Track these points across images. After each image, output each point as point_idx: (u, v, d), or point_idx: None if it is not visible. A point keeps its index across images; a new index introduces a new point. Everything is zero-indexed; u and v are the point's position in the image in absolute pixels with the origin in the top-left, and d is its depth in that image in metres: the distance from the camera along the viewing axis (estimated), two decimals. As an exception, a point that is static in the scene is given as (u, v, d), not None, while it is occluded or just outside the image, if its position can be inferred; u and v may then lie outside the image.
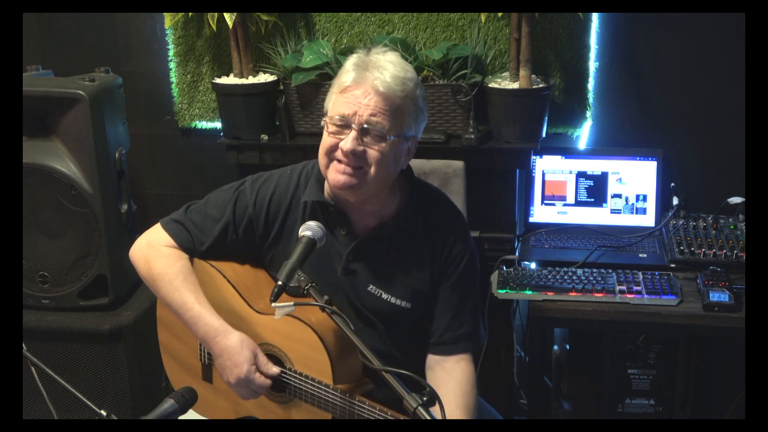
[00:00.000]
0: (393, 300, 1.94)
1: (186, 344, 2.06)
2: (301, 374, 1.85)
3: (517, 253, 2.66)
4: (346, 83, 1.81)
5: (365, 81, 1.79)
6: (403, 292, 1.94)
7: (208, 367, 2.04)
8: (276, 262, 1.97)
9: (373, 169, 1.81)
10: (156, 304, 2.14)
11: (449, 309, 1.96)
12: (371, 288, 1.93)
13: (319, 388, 1.82)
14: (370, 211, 1.93)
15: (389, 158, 1.82)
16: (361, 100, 1.78)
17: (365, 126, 1.78)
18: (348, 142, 1.78)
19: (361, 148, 1.79)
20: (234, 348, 1.84)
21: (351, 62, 1.84)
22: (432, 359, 1.97)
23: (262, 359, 1.85)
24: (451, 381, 1.92)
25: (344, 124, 1.80)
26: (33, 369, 1.87)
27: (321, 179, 1.95)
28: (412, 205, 1.94)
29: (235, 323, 1.91)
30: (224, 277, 1.97)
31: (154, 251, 1.97)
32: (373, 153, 1.80)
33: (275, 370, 1.85)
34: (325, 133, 1.85)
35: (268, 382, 1.85)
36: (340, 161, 1.81)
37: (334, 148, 1.81)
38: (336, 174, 1.82)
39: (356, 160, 1.80)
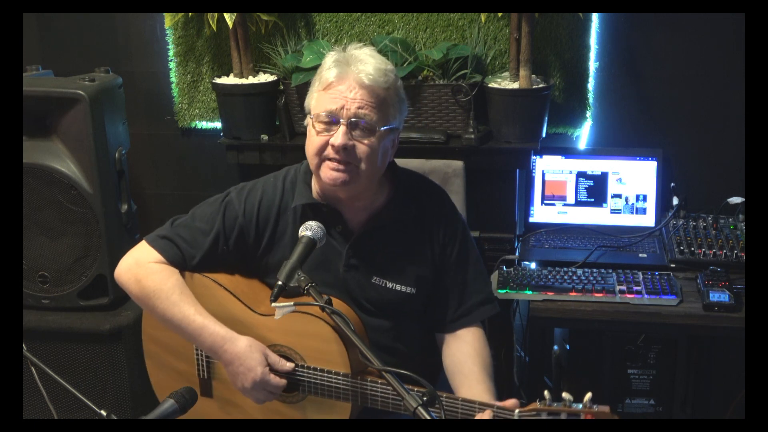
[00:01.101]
0: (398, 287, 1.94)
1: (182, 360, 2.03)
2: (315, 369, 1.85)
3: (517, 253, 2.66)
4: (329, 79, 1.80)
5: (348, 75, 1.79)
6: (407, 278, 1.95)
7: (207, 382, 2.01)
8: (270, 269, 1.96)
9: (364, 164, 1.82)
10: (143, 320, 2.08)
11: (456, 287, 1.98)
12: (375, 279, 1.94)
13: (337, 379, 1.82)
14: (361, 206, 1.94)
15: (378, 151, 1.83)
16: (347, 94, 1.79)
17: (354, 119, 1.79)
18: (338, 137, 1.78)
19: (351, 142, 1.79)
20: (244, 353, 1.83)
21: (330, 60, 1.84)
22: (448, 337, 1.99)
23: (274, 358, 1.85)
24: (464, 345, 1.96)
25: (332, 120, 1.80)
26: (33, 369, 1.87)
27: (308, 181, 1.95)
28: (400, 194, 1.96)
29: (239, 329, 1.89)
30: (220, 285, 1.95)
31: (144, 269, 1.93)
32: (362, 147, 1.81)
33: (289, 365, 1.85)
34: (311, 133, 1.84)
35: (284, 381, 1.85)
36: (331, 159, 1.81)
37: (324, 146, 1.81)
38: (329, 171, 1.83)
39: (347, 155, 1.80)
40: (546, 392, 1.57)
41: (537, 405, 1.58)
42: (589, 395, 1.55)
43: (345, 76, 1.80)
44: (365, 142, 1.80)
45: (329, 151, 1.81)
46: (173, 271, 1.94)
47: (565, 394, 1.55)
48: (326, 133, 1.81)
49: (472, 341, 1.97)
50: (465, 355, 1.94)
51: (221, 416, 2.01)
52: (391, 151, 1.91)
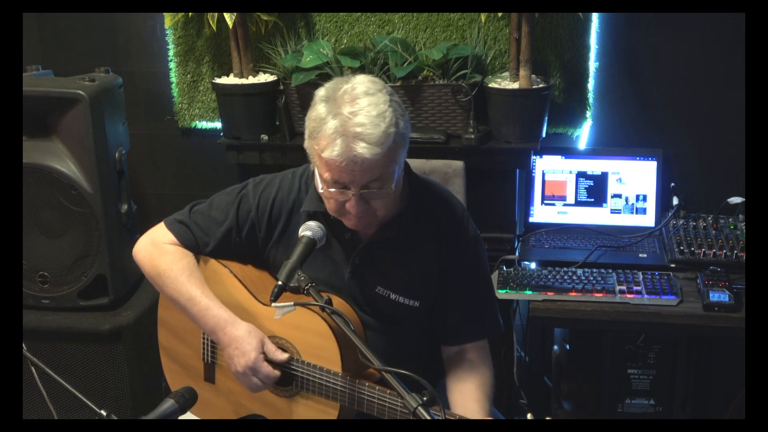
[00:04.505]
0: (401, 299, 1.94)
1: (188, 346, 2.07)
2: (309, 364, 1.86)
3: (517, 253, 2.66)
4: (332, 158, 1.71)
5: (351, 152, 1.70)
6: (411, 290, 1.95)
7: (210, 367, 2.04)
8: (278, 263, 1.96)
9: (382, 210, 1.82)
10: (157, 305, 2.14)
11: (462, 301, 1.97)
12: (379, 289, 1.94)
13: (328, 376, 1.83)
14: None
15: (393, 191, 1.80)
16: (354, 169, 1.71)
17: (364, 189, 1.75)
18: (353, 206, 1.76)
19: (366, 204, 1.78)
20: (242, 337, 1.85)
21: (330, 125, 1.70)
22: (450, 350, 1.99)
23: (270, 347, 1.87)
24: (465, 363, 1.96)
25: (342, 187, 1.76)
26: (33, 369, 1.87)
27: None
28: (414, 204, 1.95)
29: (242, 316, 1.92)
30: (230, 271, 1.99)
31: (159, 249, 1.98)
32: (378, 202, 1.79)
33: (284, 356, 1.86)
34: (323, 190, 1.78)
35: (276, 372, 1.86)
36: (350, 213, 1.80)
37: (340, 207, 1.80)
38: (351, 222, 1.83)
39: (365, 211, 1.79)
40: (529, 415, 1.57)
41: None
42: None
43: (347, 154, 1.70)
44: (380, 198, 1.78)
45: (346, 210, 1.79)
46: (186, 253, 1.98)
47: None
48: (339, 196, 1.77)
49: (473, 359, 1.96)
50: (466, 373, 1.94)
51: (221, 403, 2.03)
52: (403, 174, 1.86)
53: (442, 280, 1.96)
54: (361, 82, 1.77)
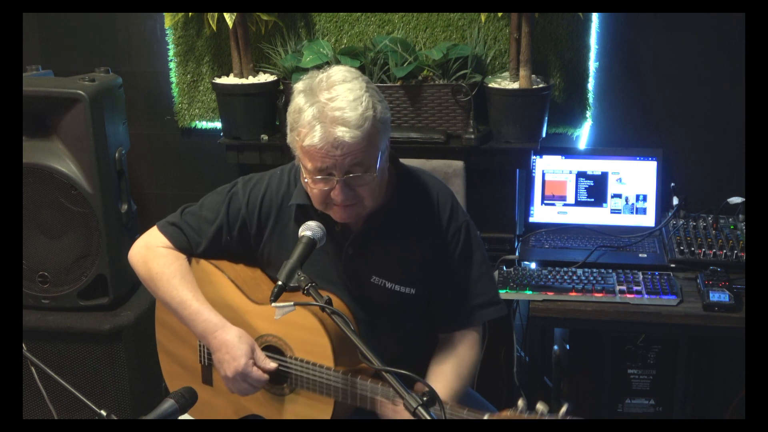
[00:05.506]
0: (397, 288, 1.94)
1: (187, 346, 2.07)
2: (301, 360, 1.87)
3: (517, 253, 2.67)
4: (313, 144, 1.73)
5: (330, 136, 1.72)
6: (406, 278, 1.95)
7: (208, 369, 2.05)
8: (272, 259, 1.99)
9: (368, 199, 1.82)
10: (156, 306, 2.14)
11: (457, 288, 1.97)
12: (374, 279, 1.94)
13: (320, 372, 1.84)
14: None
15: (378, 178, 1.81)
16: (335, 153, 1.73)
17: (348, 174, 1.76)
18: (339, 193, 1.78)
19: (351, 191, 1.79)
20: (232, 342, 1.86)
21: (308, 113, 1.74)
22: (443, 336, 1.99)
23: (260, 355, 1.88)
24: (448, 346, 1.96)
25: (326, 175, 1.78)
26: (33, 369, 1.87)
27: None
28: (401, 193, 1.95)
29: (234, 317, 1.93)
30: (222, 271, 2.00)
31: (152, 252, 1.99)
32: (363, 188, 1.80)
33: (272, 365, 1.87)
34: (308, 181, 1.81)
35: (266, 376, 1.87)
36: (336, 204, 1.81)
37: (325, 197, 1.81)
38: (338, 214, 1.84)
39: (351, 199, 1.80)
40: (520, 401, 1.56)
41: (507, 414, 1.56)
42: (565, 408, 1.54)
43: (327, 138, 1.72)
44: (364, 185, 1.79)
45: (332, 200, 1.80)
46: (178, 256, 1.99)
47: (539, 405, 1.53)
48: (323, 184, 1.79)
49: (458, 344, 1.96)
50: (445, 355, 1.95)
51: (220, 404, 2.03)
52: (387, 163, 1.87)
53: (436, 266, 1.96)
54: (337, 71, 1.80)
